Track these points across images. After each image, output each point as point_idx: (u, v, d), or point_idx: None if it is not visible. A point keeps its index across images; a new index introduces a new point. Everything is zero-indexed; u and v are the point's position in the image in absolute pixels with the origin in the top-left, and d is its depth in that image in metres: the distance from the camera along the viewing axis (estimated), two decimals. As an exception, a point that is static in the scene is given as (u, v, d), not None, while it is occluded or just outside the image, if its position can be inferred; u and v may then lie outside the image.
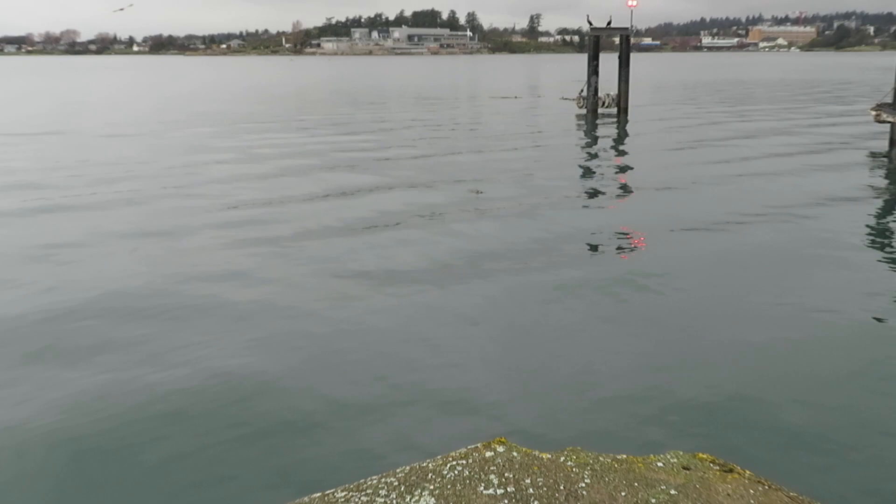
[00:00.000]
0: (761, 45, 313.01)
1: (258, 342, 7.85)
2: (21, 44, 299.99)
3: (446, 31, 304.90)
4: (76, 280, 10.04)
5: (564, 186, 16.73)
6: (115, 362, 7.40)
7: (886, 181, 17.43)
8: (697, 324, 8.33)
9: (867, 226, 12.87)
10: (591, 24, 34.90)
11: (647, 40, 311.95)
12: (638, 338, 7.95)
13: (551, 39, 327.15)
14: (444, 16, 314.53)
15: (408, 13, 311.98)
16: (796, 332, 7.99)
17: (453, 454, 2.50)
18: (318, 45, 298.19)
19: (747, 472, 2.49)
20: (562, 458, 2.50)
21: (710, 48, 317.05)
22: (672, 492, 2.33)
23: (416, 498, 2.25)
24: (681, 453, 2.58)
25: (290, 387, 6.86)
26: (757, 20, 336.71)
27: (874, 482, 5.38)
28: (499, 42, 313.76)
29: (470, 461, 2.46)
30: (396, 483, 2.34)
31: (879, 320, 8.41)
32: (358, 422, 6.24)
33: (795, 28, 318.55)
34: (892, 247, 11.77)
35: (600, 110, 34.87)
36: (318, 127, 30.95)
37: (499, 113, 37.66)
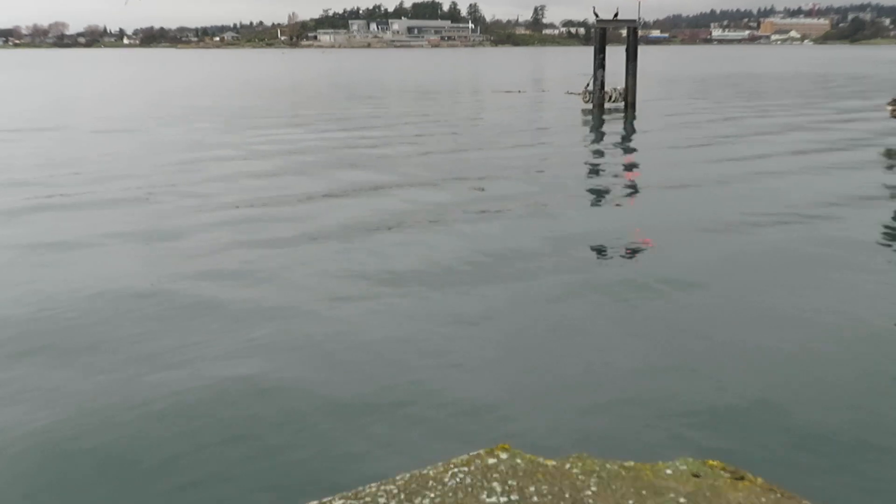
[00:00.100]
0: (773, 37, 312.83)
1: (257, 344, 7.86)
2: (8, 37, 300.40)
3: (447, 24, 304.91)
4: (71, 280, 10.05)
5: (570, 185, 16.70)
6: (110, 364, 7.40)
7: (903, 179, 17.39)
8: (708, 327, 8.33)
9: (885, 226, 12.81)
10: (597, 15, 34.88)
11: (656, 33, 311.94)
12: (646, 341, 7.95)
13: (556, 32, 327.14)
14: (445, 7, 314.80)
15: (407, 5, 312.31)
16: (810, 337, 7.99)
17: (455, 461, 2.50)
18: (315, 38, 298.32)
19: (759, 479, 2.48)
20: (567, 465, 2.50)
21: (721, 41, 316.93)
22: (681, 500, 2.32)
23: (417, 506, 2.25)
24: (690, 460, 2.58)
25: (288, 390, 6.86)
26: (769, 12, 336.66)
27: (893, 491, 5.38)
28: (502, 34, 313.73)
29: (472, 468, 2.46)
30: (396, 491, 2.34)
31: (896, 323, 8.40)
32: (356, 427, 6.24)
33: (809, 20, 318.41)
34: (909, 247, 11.74)
35: (607, 105, 34.83)
36: (316, 122, 30.96)
37: (502, 108, 37.66)
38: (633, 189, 16.54)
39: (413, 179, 17.24)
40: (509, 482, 2.34)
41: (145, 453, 5.84)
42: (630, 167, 19.73)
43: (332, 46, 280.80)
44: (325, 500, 2.25)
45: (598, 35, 34.66)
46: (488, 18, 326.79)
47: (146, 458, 5.78)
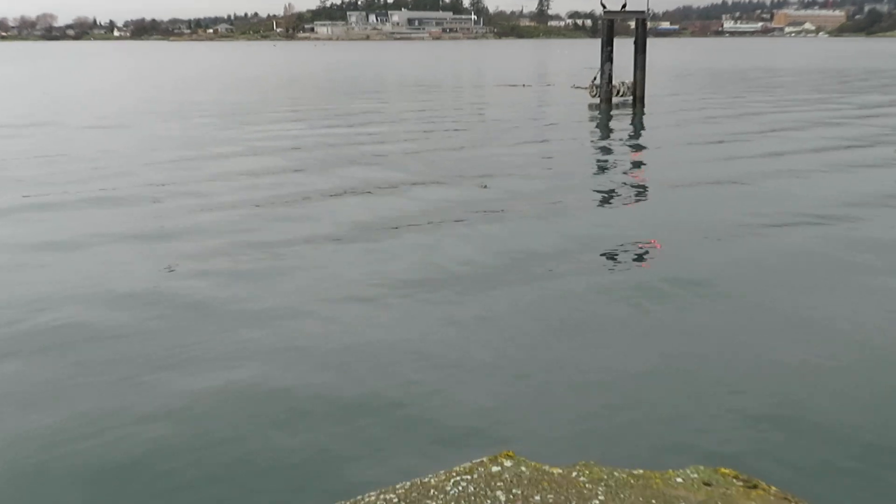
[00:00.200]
0: (787, 29, 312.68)
1: (255, 347, 7.87)
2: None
3: (449, 15, 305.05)
4: (69, 281, 10.08)
5: (576, 185, 16.63)
6: (107, 366, 7.42)
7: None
8: (720, 332, 8.33)
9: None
10: (604, 7, 34.86)
11: (665, 24, 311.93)
12: (655, 346, 7.95)
13: (562, 24, 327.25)
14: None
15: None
16: (828, 343, 7.96)
17: (457, 469, 2.50)
18: (312, 30, 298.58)
19: (773, 487, 2.48)
20: (574, 473, 2.50)
21: (733, 33, 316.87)
22: (692, 509, 2.33)
23: (418, 516, 2.26)
24: (701, 468, 2.58)
25: (286, 394, 6.88)
26: (782, 3, 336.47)
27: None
28: (505, 26, 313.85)
29: (475, 476, 2.46)
30: (396, 500, 2.34)
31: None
32: (355, 433, 6.24)
33: (823, 12, 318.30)
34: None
35: (615, 99, 34.79)
36: (313, 118, 30.99)
37: (506, 103, 37.66)
38: (642, 188, 16.46)
39: (413, 178, 17.23)
40: (514, 491, 2.34)
41: (140, 456, 5.87)
42: (638, 165, 19.67)
43: (330, 38, 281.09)
44: (323, 508, 2.25)
45: (606, 27, 34.62)
46: (492, 10, 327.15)
47: (140, 461, 5.80)
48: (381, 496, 2.36)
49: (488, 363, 7.53)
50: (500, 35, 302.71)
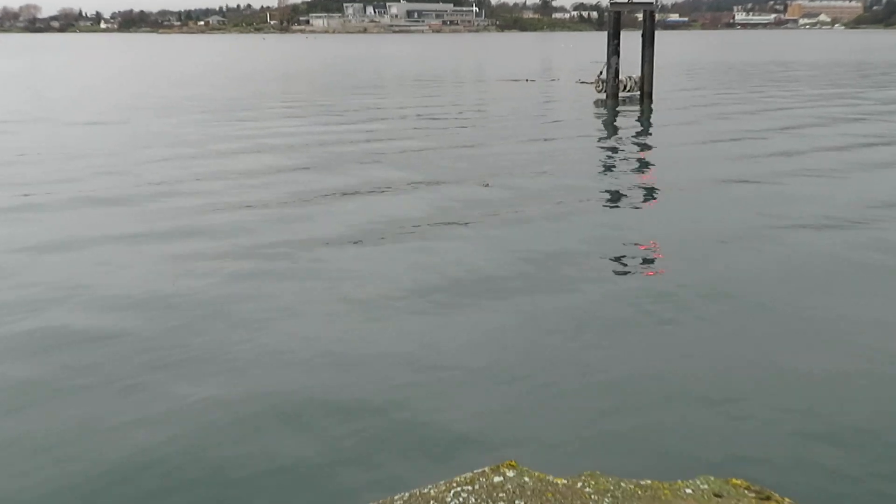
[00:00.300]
0: (801, 21, 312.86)
1: (258, 353, 7.90)
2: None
3: (450, 7, 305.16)
4: (65, 284, 10.11)
5: (581, 185, 16.49)
6: (103, 374, 7.43)
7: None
8: (731, 339, 8.35)
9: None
10: (611, -2, 34.92)
11: (674, 16, 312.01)
12: (664, 354, 7.97)
13: (566, 16, 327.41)
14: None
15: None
16: (848, 353, 7.92)
17: (458, 479, 2.50)
18: (307, 23, 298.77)
19: (786, 499, 2.49)
20: (579, 484, 2.50)
21: (745, 25, 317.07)
22: (702, 522, 2.33)
23: (417, 528, 2.26)
24: (712, 479, 2.58)
25: (284, 402, 6.89)
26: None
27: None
28: (508, 19, 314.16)
29: (476, 487, 2.47)
30: (395, 511, 2.35)
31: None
32: (354, 440, 6.25)
33: (839, 3, 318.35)
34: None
35: (621, 94, 34.80)
36: (309, 115, 31.04)
37: (508, 98, 37.68)
38: (650, 189, 16.30)
39: (412, 177, 17.18)
40: (516, 502, 2.34)
41: (135, 459, 5.93)
42: (646, 165, 19.58)
43: (326, 31, 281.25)
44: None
45: (612, 19, 34.64)
46: (493, 2, 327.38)
47: (135, 464, 5.84)
48: (379, 507, 2.37)
49: (490, 370, 7.54)
50: (503, 28, 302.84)
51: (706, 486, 2.51)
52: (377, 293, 9.66)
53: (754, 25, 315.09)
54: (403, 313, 9.04)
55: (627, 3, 35.02)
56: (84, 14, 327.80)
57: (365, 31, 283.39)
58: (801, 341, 8.16)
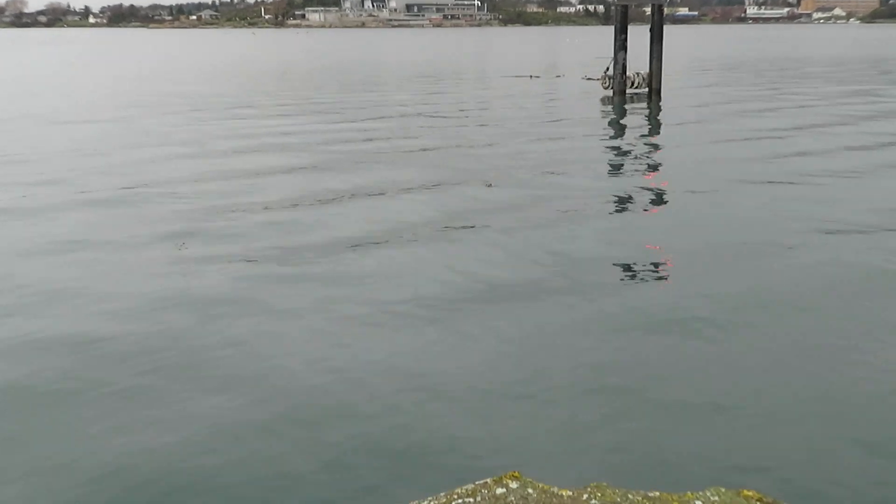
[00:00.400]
0: (815, 15, 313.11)
1: (255, 366, 7.90)
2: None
3: (450, 0, 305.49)
4: (58, 290, 10.15)
5: (588, 188, 16.33)
6: (93, 393, 7.45)
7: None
8: (744, 350, 8.35)
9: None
10: (618, -9, 34.96)
11: (683, 10, 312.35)
12: (671, 362, 7.98)
13: (572, 10, 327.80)
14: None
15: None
16: (864, 367, 7.87)
17: (459, 491, 2.51)
18: (304, 17, 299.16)
19: (799, 512, 2.49)
20: (585, 496, 2.51)
21: (756, 20, 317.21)
22: (712, 535, 2.34)
23: (417, 541, 2.27)
24: (723, 490, 2.59)
25: (290, 413, 6.91)
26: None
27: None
28: (511, 12, 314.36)
29: (478, 499, 2.47)
30: (394, 524, 2.35)
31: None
32: (351, 452, 6.25)
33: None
34: None
35: (629, 91, 34.81)
36: (305, 114, 31.04)
37: (512, 96, 37.71)
38: (662, 192, 16.04)
39: (412, 180, 17.10)
40: (520, 515, 2.34)
41: (136, 464, 5.92)
42: (656, 166, 19.41)
43: (323, 26, 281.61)
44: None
45: (619, 13, 34.66)
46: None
47: (136, 469, 5.83)
48: (378, 520, 2.38)
49: (492, 376, 7.54)
50: (506, 22, 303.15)
51: (716, 498, 2.52)
52: (376, 299, 9.66)
53: (766, 20, 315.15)
54: (403, 319, 9.04)
55: (635, -4, 35.07)
56: (72, 8, 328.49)
57: (363, 25, 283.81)
58: (818, 351, 8.14)
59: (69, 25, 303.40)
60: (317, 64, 71.32)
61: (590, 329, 8.71)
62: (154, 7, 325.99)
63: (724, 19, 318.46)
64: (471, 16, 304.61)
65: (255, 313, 9.23)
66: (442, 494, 2.53)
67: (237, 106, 33.20)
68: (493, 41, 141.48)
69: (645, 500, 2.51)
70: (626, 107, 31.91)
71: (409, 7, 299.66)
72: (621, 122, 28.48)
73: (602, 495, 2.53)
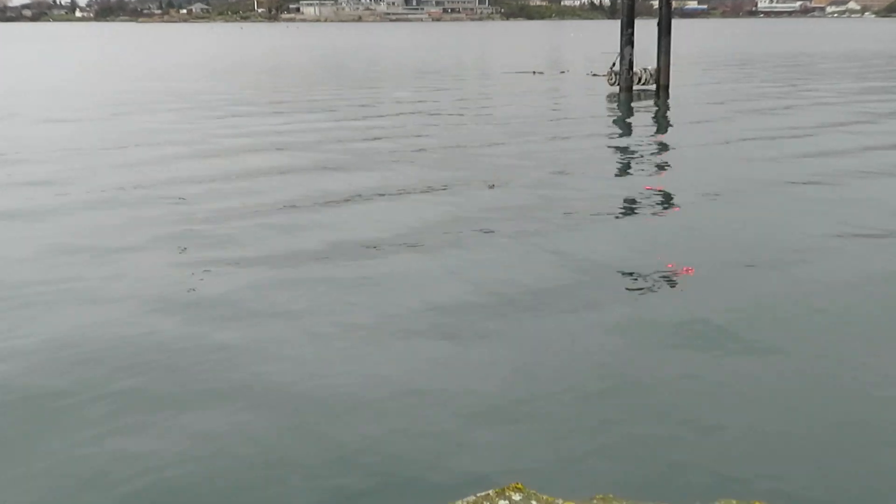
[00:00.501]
0: (829, 9, 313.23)
1: (252, 377, 7.89)
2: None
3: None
4: (56, 293, 10.15)
5: (595, 190, 16.22)
6: (91, 398, 7.47)
7: None
8: (758, 361, 8.35)
9: None
10: (624, -15, 34.99)
11: (692, 4, 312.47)
12: (679, 371, 7.99)
13: (577, 3, 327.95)
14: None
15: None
16: (883, 381, 7.83)
17: (460, 502, 2.53)
18: (298, 10, 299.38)
19: (812, 524, 2.51)
20: (590, 508, 2.52)
21: (768, 13, 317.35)
22: (722, 548, 2.35)
23: (417, 555, 2.28)
24: (734, 502, 2.60)
25: (280, 423, 6.92)
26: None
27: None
28: (514, 6, 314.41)
29: (481, 511, 2.49)
30: (393, 537, 2.37)
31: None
32: (351, 462, 6.27)
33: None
34: None
35: (636, 88, 34.79)
36: (300, 112, 31.05)
37: (514, 93, 37.71)
38: (670, 196, 15.83)
39: (412, 180, 17.05)
40: (523, 527, 2.36)
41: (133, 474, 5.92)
42: (665, 167, 19.27)
43: (318, 20, 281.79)
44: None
45: (626, 7, 34.66)
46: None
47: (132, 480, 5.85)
48: (377, 533, 2.39)
49: (495, 386, 7.56)
50: (508, 16, 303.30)
51: (726, 511, 2.53)
52: (378, 304, 9.68)
53: (778, 13, 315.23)
54: (406, 326, 9.04)
55: (642, -11, 35.04)
56: (58, 1, 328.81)
57: (359, 19, 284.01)
58: (839, 365, 8.09)
59: (55, 20, 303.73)
60: (308, 62, 71.34)
61: (598, 338, 8.71)
62: (143, 0, 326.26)
63: (734, 13, 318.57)
64: (471, 9, 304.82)
65: (253, 318, 9.24)
66: (443, 507, 2.55)
67: (235, 103, 33.24)
68: (495, 36, 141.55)
69: (652, 513, 2.53)
70: (633, 104, 31.88)
71: (407, 0, 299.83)
72: (628, 120, 28.45)
73: (608, 507, 2.55)
